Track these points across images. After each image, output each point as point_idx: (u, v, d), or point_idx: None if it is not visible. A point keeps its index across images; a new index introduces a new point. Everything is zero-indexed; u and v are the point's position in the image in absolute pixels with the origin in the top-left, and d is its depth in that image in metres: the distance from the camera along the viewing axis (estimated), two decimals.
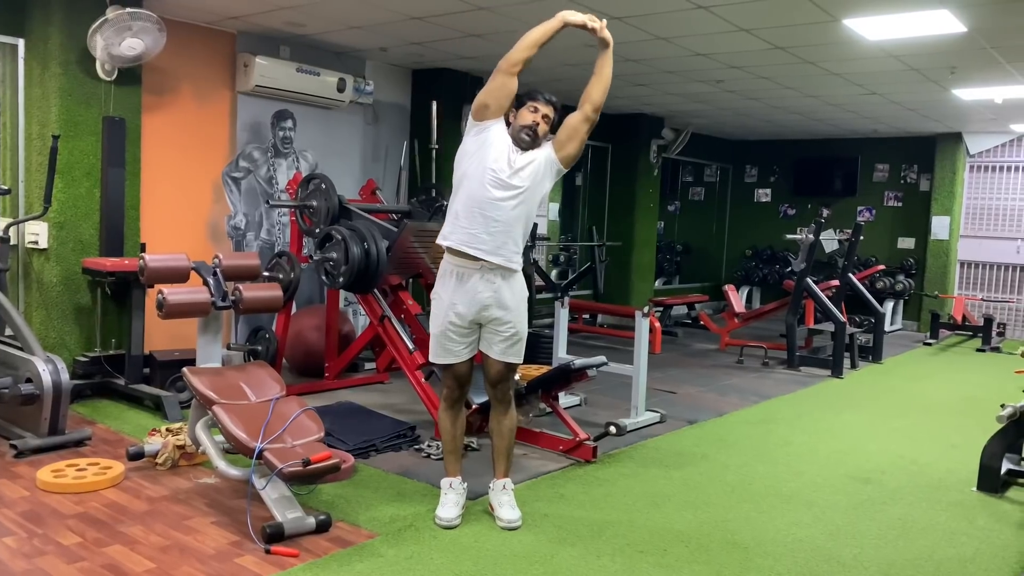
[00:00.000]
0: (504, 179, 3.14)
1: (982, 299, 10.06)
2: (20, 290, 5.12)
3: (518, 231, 3.21)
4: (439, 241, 3.28)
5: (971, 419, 5.44)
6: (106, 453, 3.94)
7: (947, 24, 4.94)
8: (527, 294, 3.38)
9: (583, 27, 3.12)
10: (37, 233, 4.96)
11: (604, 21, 3.15)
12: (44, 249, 4.98)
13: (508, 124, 3.25)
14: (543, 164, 3.22)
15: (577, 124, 3.21)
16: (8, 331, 4.34)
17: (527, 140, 3.19)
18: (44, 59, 4.93)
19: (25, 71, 5.01)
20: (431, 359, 3.40)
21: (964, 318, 9.58)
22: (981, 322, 9.23)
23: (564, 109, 3.29)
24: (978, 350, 8.86)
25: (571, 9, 3.14)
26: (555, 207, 11.03)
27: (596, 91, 3.19)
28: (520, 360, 3.36)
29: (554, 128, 3.27)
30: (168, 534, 3.05)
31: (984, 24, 4.96)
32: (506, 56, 3.14)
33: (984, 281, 10.27)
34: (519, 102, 3.23)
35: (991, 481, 3.97)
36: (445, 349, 3.29)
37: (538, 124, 3.20)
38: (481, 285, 3.19)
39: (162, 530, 3.08)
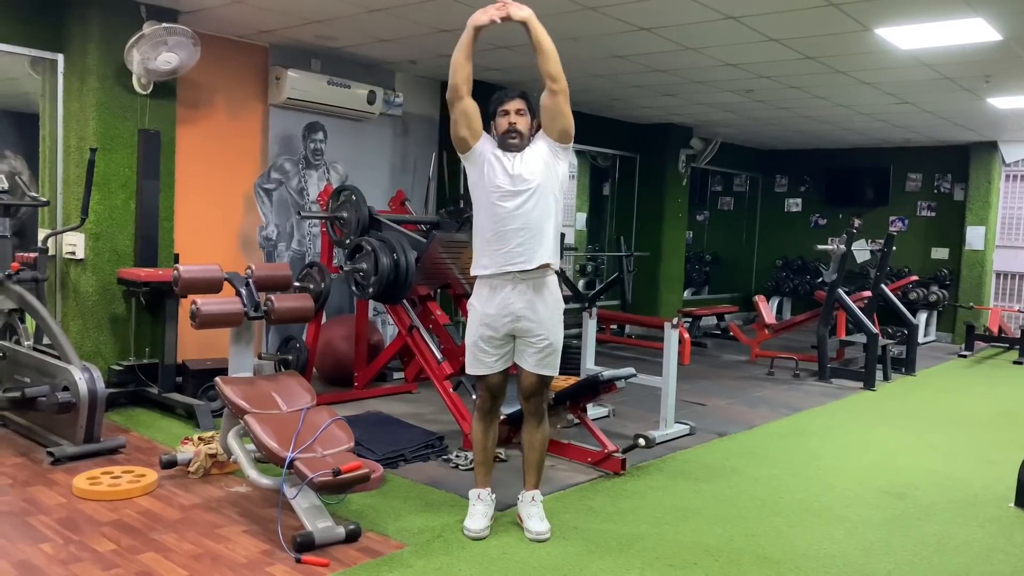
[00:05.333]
0: (510, 189, 3.14)
1: (1019, 310, 9.87)
2: (57, 300, 5.23)
3: (548, 229, 3.18)
4: (475, 272, 3.25)
5: (1008, 433, 5.34)
6: (140, 461, 4.00)
7: (982, 32, 4.88)
8: (563, 305, 3.37)
9: (494, 22, 3.05)
10: (74, 244, 5.07)
11: (505, 3, 3.06)
12: (81, 260, 5.07)
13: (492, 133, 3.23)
14: (546, 154, 3.18)
15: (548, 103, 3.14)
16: (46, 340, 4.44)
17: (516, 142, 3.17)
18: (83, 74, 5.04)
19: (64, 85, 5.13)
20: (467, 370, 3.41)
21: (1000, 330, 9.42)
22: (1018, 334, 9.05)
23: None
24: (1015, 362, 8.68)
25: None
26: (583, 217, 11.02)
27: (545, 64, 3.08)
28: (555, 373, 3.36)
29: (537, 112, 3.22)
30: (200, 542, 3.09)
31: (1020, 32, 4.89)
32: (448, 87, 3.14)
33: (1021, 292, 10.08)
34: (490, 113, 3.22)
35: None
36: (477, 360, 3.30)
37: (516, 124, 3.16)
38: (513, 296, 3.19)
39: (194, 538, 3.12)
